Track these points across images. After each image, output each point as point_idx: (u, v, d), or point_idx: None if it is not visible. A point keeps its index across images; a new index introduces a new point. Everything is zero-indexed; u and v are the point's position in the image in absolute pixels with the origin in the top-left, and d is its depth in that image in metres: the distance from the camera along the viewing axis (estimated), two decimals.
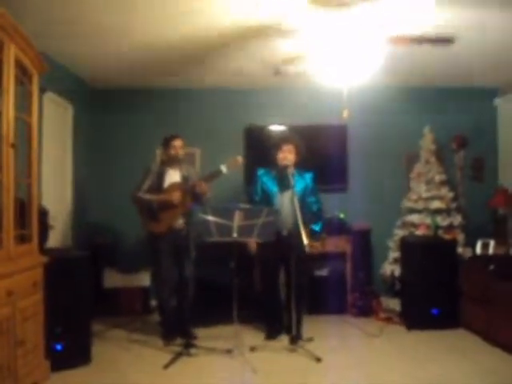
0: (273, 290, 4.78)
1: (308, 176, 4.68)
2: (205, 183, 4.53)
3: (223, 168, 4.50)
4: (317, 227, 4.66)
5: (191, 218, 4.47)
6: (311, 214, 4.61)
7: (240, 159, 4.62)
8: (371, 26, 3.67)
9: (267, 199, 4.61)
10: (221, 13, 3.74)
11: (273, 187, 4.63)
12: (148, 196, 4.52)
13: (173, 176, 4.61)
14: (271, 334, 4.69)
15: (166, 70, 5.43)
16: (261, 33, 4.12)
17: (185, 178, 4.63)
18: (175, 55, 4.84)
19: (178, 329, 4.54)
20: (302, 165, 4.65)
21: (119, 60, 5.01)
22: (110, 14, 3.77)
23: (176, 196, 4.47)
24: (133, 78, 5.79)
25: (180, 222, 4.55)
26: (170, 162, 4.63)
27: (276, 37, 4.20)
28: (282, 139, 4.76)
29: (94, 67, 5.32)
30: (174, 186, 4.55)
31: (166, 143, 4.64)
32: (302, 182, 4.60)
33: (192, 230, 4.49)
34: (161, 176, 4.59)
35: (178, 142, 4.62)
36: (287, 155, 4.55)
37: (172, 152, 4.60)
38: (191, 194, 4.54)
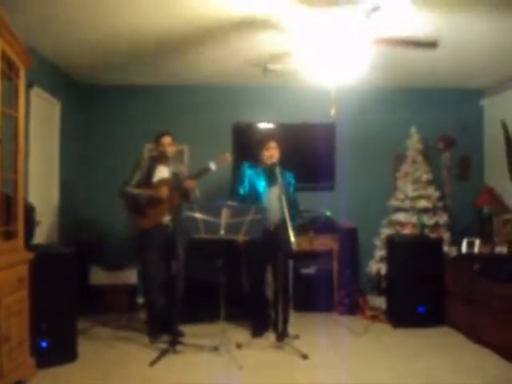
0: (259, 287, 4.79)
1: (289, 174, 4.70)
2: (192, 180, 4.53)
3: (212, 165, 4.50)
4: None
5: (179, 216, 4.39)
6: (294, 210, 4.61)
7: (228, 156, 4.66)
8: (358, 27, 3.67)
9: (254, 194, 4.60)
10: (213, 5, 3.71)
11: (260, 182, 4.63)
12: (136, 190, 4.50)
13: (162, 172, 4.60)
14: (257, 332, 4.70)
15: (152, 66, 5.40)
16: (248, 28, 4.10)
17: (174, 175, 4.63)
18: (161, 49, 4.79)
19: (164, 327, 4.52)
20: (286, 162, 4.65)
21: (106, 55, 4.97)
22: (95, 5, 3.73)
23: (164, 191, 4.46)
24: (120, 75, 5.75)
25: (167, 218, 4.54)
26: (160, 158, 4.63)
27: (264, 32, 4.18)
28: (267, 137, 4.77)
29: (81, 63, 5.28)
30: (162, 182, 4.54)
31: (156, 140, 4.66)
32: (285, 180, 4.59)
33: (180, 228, 4.43)
34: (150, 171, 4.59)
35: (166, 139, 4.62)
36: (273, 153, 4.56)
37: (160, 149, 4.61)
38: (180, 191, 4.53)
